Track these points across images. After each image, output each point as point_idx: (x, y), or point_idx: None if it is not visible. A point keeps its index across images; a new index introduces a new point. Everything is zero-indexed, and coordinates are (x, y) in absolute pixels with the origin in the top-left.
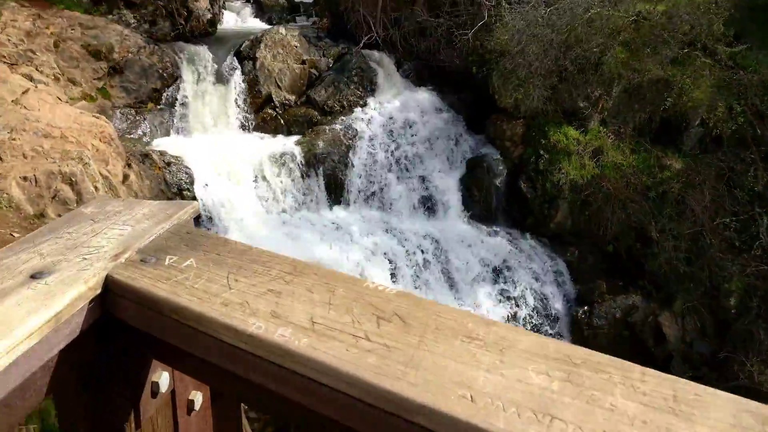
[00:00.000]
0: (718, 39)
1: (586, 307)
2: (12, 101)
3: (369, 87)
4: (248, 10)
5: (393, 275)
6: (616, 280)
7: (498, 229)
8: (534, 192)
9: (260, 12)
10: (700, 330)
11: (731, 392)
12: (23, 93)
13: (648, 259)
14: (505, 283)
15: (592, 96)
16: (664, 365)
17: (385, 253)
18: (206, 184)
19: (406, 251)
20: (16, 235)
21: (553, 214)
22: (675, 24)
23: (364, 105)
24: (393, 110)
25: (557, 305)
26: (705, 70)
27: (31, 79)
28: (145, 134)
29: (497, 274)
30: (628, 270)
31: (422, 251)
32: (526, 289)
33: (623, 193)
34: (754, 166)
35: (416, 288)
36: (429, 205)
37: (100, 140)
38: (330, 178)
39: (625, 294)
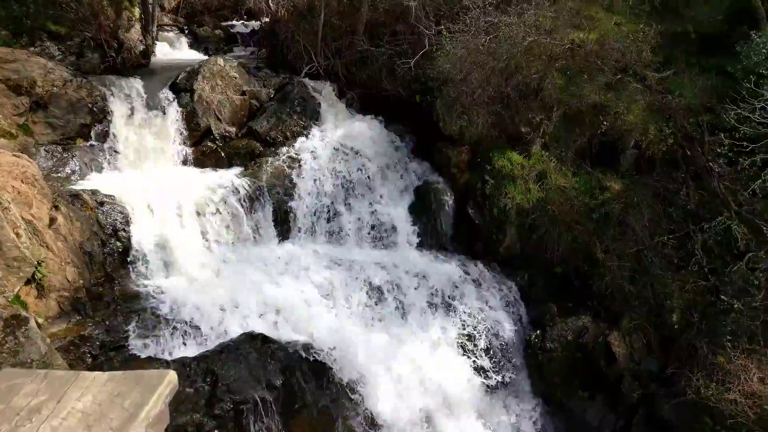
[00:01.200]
0: (646, 65)
1: (538, 331)
2: None
3: (312, 117)
4: (183, 40)
5: (347, 309)
6: (566, 302)
7: (448, 256)
8: (482, 217)
9: (196, 43)
10: (647, 347)
11: (681, 408)
12: None
13: (595, 279)
14: (456, 310)
15: (534, 121)
16: (616, 385)
17: (337, 286)
18: (143, 225)
19: (358, 283)
20: None
21: (501, 239)
22: (607, 51)
23: (308, 135)
24: (337, 139)
25: (510, 331)
26: (637, 95)
27: None
28: (74, 172)
29: (449, 302)
30: (577, 291)
31: (374, 283)
32: (479, 315)
33: (568, 215)
34: (685, 186)
35: (370, 320)
36: (379, 235)
37: (22, 181)
38: (276, 211)
39: (576, 316)
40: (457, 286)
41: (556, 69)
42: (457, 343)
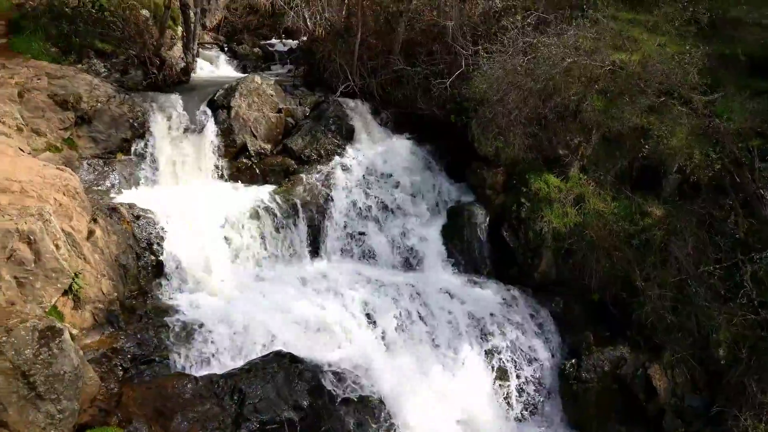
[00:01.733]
0: (693, 88)
1: (573, 360)
2: None
3: (346, 135)
4: (223, 58)
5: (375, 330)
6: (603, 330)
7: (481, 279)
8: (517, 241)
9: (235, 60)
10: (691, 382)
11: None
12: None
13: (634, 308)
14: (489, 337)
15: (572, 143)
16: (656, 421)
17: (366, 306)
18: (178, 239)
19: (389, 305)
20: None
21: (537, 264)
22: (650, 73)
23: (342, 153)
24: (371, 158)
25: (544, 359)
26: (681, 118)
27: None
28: (113, 186)
29: (481, 327)
30: (615, 320)
31: (404, 305)
32: (512, 343)
33: (607, 240)
34: (734, 213)
35: (400, 343)
36: (411, 256)
37: (64, 194)
38: (308, 228)
39: (613, 345)
40: (490, 311)
41: (595, 91)
42: (489, 369)
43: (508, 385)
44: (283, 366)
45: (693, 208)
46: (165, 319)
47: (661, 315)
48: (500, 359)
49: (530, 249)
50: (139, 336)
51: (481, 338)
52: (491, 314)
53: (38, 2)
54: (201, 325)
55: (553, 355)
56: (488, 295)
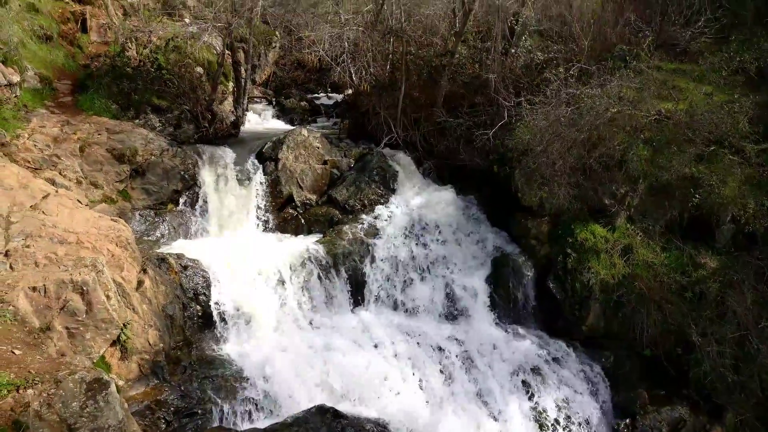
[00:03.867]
0: (744, 137)
1: (627, 420)
2: (31, 206)
3: (389, 186)
4: (271, 111)
5: (419, 384)
6: (658, 388)
7: (527, 332)
8: (563, 293)
9: (282, 114)
10: None
11: None
12: (43, 198)
13: (691, 365)
14: (537, 393)
15: (618, 193)
16: None
17: (410, 359)
18: (223, 289)
19: (432, 358)
20: (17, 352)
21: (584, 316)
22: (698, 123)
23: (386, 203)
24: (414, 209)
25: (595, 418)
26: (733, 167)
27: (53, 183)
28: (163, 236)
29: (528, 383)
30: (671, 377)
31: (448, 358)
32: (560, 398)
33: (658, 293)
34: None
35: (444, 398)
36: (454, 307)
37: (117, 245)
38: (351, 278)
39: (670, 405)
40: (536, 366)
41: (641, 140)
42: (537, 428)
43: None
44: (326, 421)
45: (750, 259)
46: (209, 370)
47: (722, 373)
48: (548, 417)
49: (577, 301)
50: (182, 388)
51: (528, 395)
52: (538, 369)
53: (102, 63)
54: (244, 378)
55: (604, 414)
56: (534, 348)
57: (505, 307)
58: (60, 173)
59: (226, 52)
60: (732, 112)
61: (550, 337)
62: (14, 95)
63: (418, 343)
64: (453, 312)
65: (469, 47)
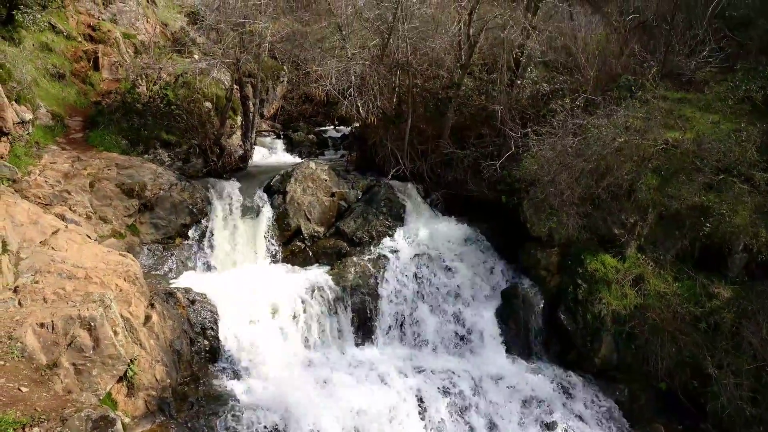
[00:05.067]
0: (752, 165)
1: None
2: (41, 242)
3: (397, 217)
4: (279, 144)
5: (428, 420)
6: (675, 422)
7: (538, 364)
8: (574, 324)
9: (290, 147)
10: None
11: None
12: (53, 233)
13: (708, 398)
14: (551, 428)
15: (627, 223)
16: None
17: (418, 394)
18: (231, 324)
19: (441, 393)
20: (23, 389)
21: (597, 348)
22: (706, 151)
23: (393, 235)
24: (422, 240)
25: None
26: (743, 195)
27: (63, 218)
28: (171, 270)
29: (541, 419)
30: (688, 411)
31: (458, 392)
32: None
33: (671, 324)
34: None
35: None
36: (463, 339)
37: (125, 279)
38: (359, 312)
39: None
40: (549, 400)
41: (649, 169)
42: None
43: None
44: None
45: (764, 288)
46: (216, 406)
47: (739, 406)
48: None
49: (589, 332)
50: (189, 425)
51: (541, 429)
52: (551, 403)
53: (113, 99)
54: (251, 413)
55: None
56: (546, 381)
57: (516, 339)
58: (70, 208)
59: (235, 86)
60: (740, 141)
61: (563, 370)
62: (27, 132)
63: (427, 378)
64: (462, 345)
65: (475, 79)
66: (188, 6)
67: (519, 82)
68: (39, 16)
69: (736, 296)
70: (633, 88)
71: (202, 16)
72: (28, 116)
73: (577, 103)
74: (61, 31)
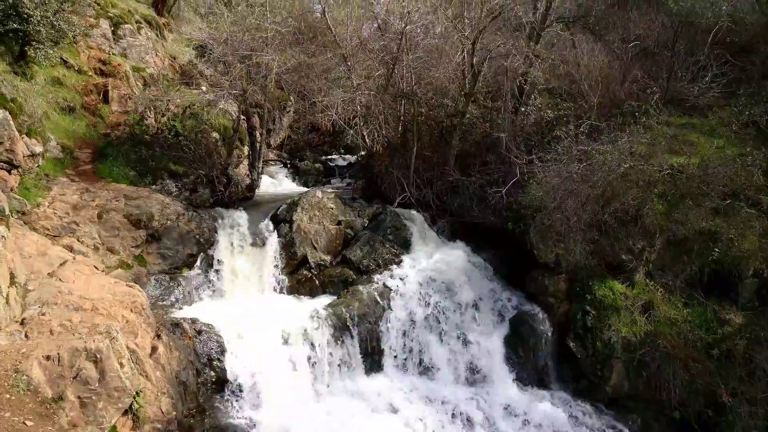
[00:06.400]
0: (759, 189)
1: None
2: (48, 274)
3: (403, 245)
4: (286, 173)
5: None
6: None
7: (549, 393)
8: (584, 351)
9: (297, 175)
10: None
11: None
12: (60, 265)
13: (724, 428)
14: None
15: (635, 248)
16: None
17: (428, 424)
18: (237, 354)
19: (451, 424)
20: (29, 423)
21: (607, 376)
22: (712, 176)
23: (399, 263)
24: (428, 267)
25: None
26: (751, 220)
27: (71, 249)
28: (177, 300)
29: None
30: None
31: (468, 423)
32: None
33: (683, 351)
34: None
35: None
36: (472, 368)
37: (131, 310)
38: (366, 341)
39: None
40: (561, 429)
41: (656, 195)
42: None
43: None
44: None
45: None
46: None
47: None
48: None
49: (599, 360)
50: None
51: None
52: None
53: (122, 131)
54: None
55: None
56: (557, 411)
57: (525, 367)
58: (78, 240)
59: (242, 117)
60: (745, 165)
61: (573, 398)
62: (37, 165)
63: (437, 408)
64: (471, 373)
65: (479, 107)
66: (197, 40)
67: (523, 109)
68: (51, 51)
69: (747, 322)
70: (636, 114)
71: (210, 50)
72: (39, 149)
73: (581, 129)
74: (73, 66)
